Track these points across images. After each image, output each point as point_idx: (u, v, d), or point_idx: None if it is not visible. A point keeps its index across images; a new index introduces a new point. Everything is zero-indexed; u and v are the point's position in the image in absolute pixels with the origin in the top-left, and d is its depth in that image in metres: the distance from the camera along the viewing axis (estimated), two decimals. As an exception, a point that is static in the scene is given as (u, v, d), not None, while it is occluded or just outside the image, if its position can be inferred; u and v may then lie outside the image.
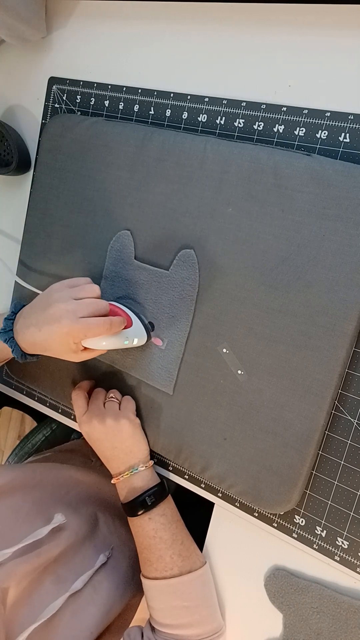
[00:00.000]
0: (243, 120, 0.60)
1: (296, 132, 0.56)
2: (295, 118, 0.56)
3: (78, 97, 0.72)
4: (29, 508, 0.61)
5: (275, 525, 0.58)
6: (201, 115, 0.62)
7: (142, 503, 0.59)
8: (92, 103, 0.71)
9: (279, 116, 0.57)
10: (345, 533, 0.54)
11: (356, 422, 0.54)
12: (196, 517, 0.66)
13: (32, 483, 0.66)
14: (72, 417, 0.73)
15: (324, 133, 0.55)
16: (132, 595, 0.66)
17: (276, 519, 0.58)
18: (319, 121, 0.55)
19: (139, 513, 0.59)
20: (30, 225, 0.73)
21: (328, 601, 0.55)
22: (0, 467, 0.66)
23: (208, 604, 0.59)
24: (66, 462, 0.78)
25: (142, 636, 0.58)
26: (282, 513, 0.58)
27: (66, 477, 0.72)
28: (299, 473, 0.54)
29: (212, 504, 0.63)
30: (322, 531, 0.56)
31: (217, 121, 0.61)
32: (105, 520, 0.70)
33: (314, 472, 0.56)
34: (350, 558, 0.54)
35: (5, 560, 0.53)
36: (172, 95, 0.64)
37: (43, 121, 0.75)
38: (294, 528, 0.57)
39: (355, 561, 0.54)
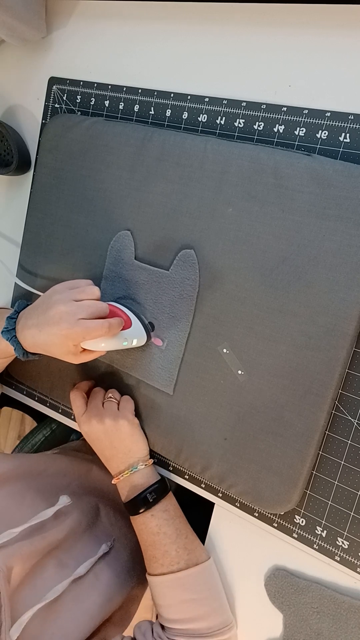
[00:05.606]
0: (243, 121, 0.60)
1: (296, 132, 0.56)
2: (295, 118, 0.56)
3: (78, 97, 0.72)
4: (34, 494, 0.63)
5: (276, 525, 0.58)
6: (201, 115, 0.62)
7: (143, 500, 0.59)
8: (92, 103, 0.71)
9: (279, 116, 0.57)
10: (345, 533, 0.54)
11: (356, 422, 0.54)
12: (196, 517, 0.66)
13: (36, 471, 0.67)
14: (72, 417, 0.73)
15: (324, 133, 0.55)
16: (134, 585, 0.66)
17: (276, 519, 0.58)
18: (319, 121, 0.55)
19: (141, 510, 0.59)
20: (30, 225, 0.73)
21: (328, 601, 0.55)
22: (5, 456, 0.68)
23: (216, 597, 0.59)
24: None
25: (152, 632, 0.58)
26: (282, 513, 0.58)
27: (69, 468, 0.73)
28: (299, 473, 0.54)
29: (212, 504, 0.63)
30: (322, 531, 0.56)
31: (217, 121, 0.61)
32: (107, 513, 0.71)
33: (314, 472, 0.56)
34: (350, 558, 0.54)
35: (11, 540, 0.54)
36: (172, 95, 0.64)
37: (43, 121, 0.75)
38: (294, 528, 0.57)
39: (356, 561, 0.54)
